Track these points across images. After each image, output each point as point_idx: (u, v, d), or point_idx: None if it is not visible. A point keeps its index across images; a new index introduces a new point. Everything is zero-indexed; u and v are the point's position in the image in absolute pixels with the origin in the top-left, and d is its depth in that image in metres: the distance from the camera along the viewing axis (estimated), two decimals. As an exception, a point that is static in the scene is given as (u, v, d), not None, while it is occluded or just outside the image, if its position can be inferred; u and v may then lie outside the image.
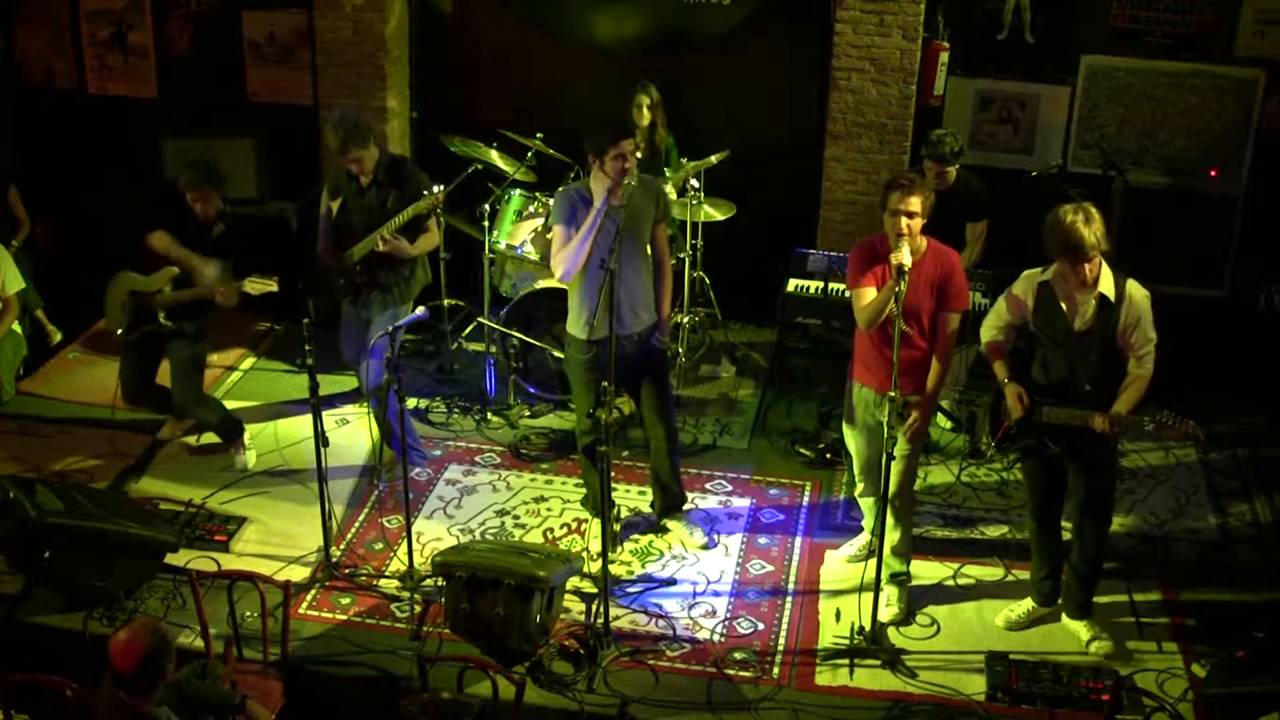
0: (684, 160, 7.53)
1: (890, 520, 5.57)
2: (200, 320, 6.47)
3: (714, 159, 7.44)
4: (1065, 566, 5.55)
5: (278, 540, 6.15)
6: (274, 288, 6.16)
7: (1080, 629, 5.55)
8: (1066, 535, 5.58)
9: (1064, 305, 5.11)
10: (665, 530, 6.24)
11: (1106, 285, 5.03)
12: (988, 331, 5.42)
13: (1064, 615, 5.61)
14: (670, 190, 7.34)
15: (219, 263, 6.25)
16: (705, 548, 6.14)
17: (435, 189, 6.23)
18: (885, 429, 5.19)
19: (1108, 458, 5.33)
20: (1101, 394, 5.10)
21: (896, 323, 5.12)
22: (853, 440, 5.74)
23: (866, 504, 5.85)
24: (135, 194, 6.72)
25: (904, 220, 5.15)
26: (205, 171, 6.28)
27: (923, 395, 5.39)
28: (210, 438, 6.83)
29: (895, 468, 5.35)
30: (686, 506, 6.32)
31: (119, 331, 6.52)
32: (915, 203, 5.15)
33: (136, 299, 6.40)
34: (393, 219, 6.20)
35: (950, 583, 5.95)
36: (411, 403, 7.19)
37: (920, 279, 5.27)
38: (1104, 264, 5.02)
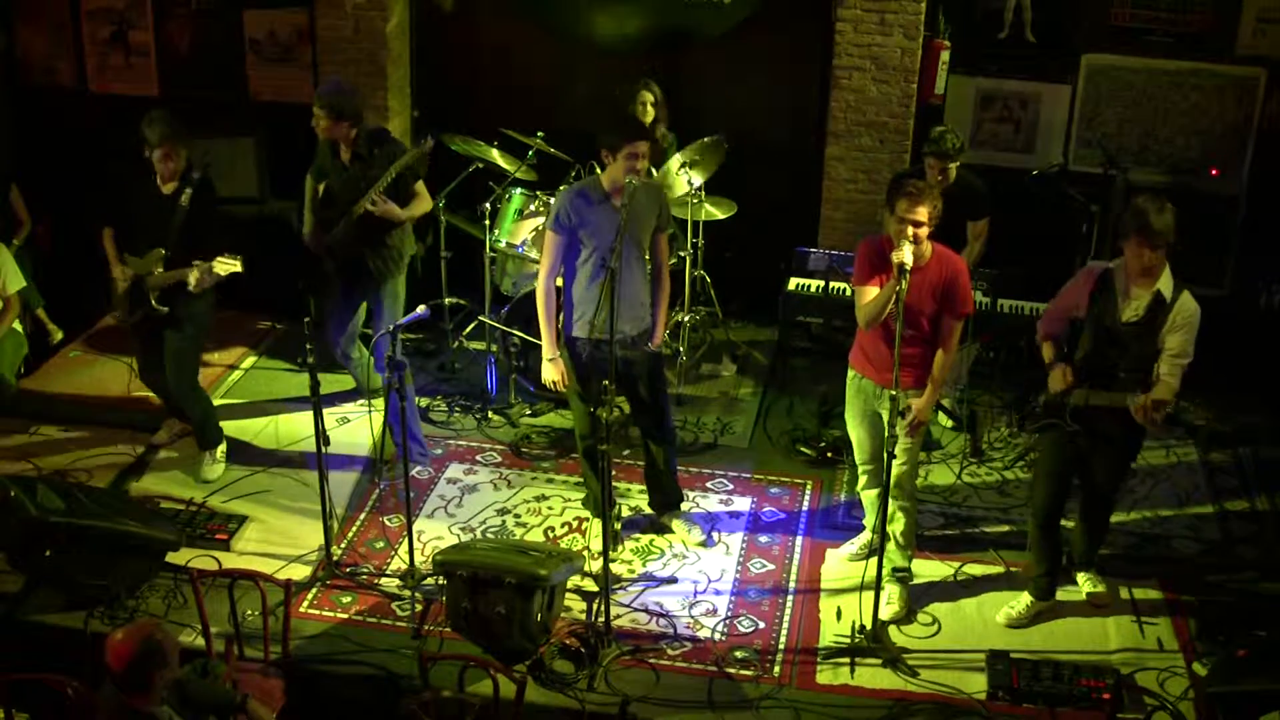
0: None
1: (892, 511, 5.58)
2: (195, 303, 6.25)
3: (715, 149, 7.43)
4: (1070, 536, 5.76)
5: (279, 539, 6.15)
6: (238, 268, 5.94)
7: (1084, 580, 5.77)
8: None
9: (1120, 294, 5.21)
10: (667, 529, 6.25)
11: (1165, 284, 5.15)
12: (1044, 316, 5.53)
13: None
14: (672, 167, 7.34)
15: (158, 252, 6.16)
16: (704, 545, 6.15)
17: (426, 140, 6.25)
18: (886, 426, 5.20)
19: (1125, 440, 5.38)
20: (1131, 385, 5.16)
21: (898, 323, 5.13)
22: (854, 431, 5.75)
23: (869, 497, 5.85)
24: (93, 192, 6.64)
25: (910, 229, 5.16)
26: (169, 122, 6.07)
27: (925, 387, 5.40)
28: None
29: (896, 462, 5.36)
30: (685, 505, 6.33)
31: (122, 316, 6.44)
32: (923, 213, 5.15)
33: (134, 281, 6.36)
34: (381, 178, 6.21)
35: (951, 581, 5.95)
36: (412, 401, 7.19)
37: (923, 283, 5.27)
38: (1168, 268, 5.15)
